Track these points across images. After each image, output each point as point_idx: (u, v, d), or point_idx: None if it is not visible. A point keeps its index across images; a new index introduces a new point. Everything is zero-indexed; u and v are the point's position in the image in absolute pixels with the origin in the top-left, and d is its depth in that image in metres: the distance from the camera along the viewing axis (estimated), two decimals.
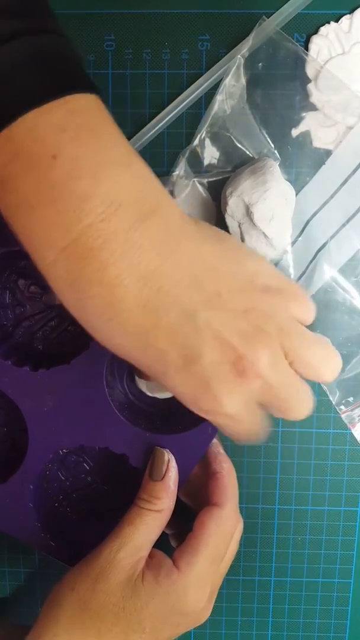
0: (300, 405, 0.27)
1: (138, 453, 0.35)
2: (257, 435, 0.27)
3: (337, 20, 0.37)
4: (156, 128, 0.38)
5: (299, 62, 0.37)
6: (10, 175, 0.22)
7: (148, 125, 0.38)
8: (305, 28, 0.36)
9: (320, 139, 0.38)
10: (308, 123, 0.37)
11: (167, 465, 0.34)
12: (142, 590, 0.31)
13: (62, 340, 0.40)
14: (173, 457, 0.35)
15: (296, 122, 0.37)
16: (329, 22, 0.37)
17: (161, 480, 0.34)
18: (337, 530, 0.43)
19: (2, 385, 0.36)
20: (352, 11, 0.37)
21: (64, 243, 0.23)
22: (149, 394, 0.39)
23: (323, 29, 0.37)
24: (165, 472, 0.34)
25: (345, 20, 0.37)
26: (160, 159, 0.39)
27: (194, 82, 0.37)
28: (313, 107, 0.37)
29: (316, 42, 0.37)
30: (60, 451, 0.40)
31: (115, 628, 0.30)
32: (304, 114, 0.37)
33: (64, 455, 0.39)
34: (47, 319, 0.40)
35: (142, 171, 0.24)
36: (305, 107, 0.37)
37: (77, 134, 0.22)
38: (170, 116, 0.38)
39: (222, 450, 0.37)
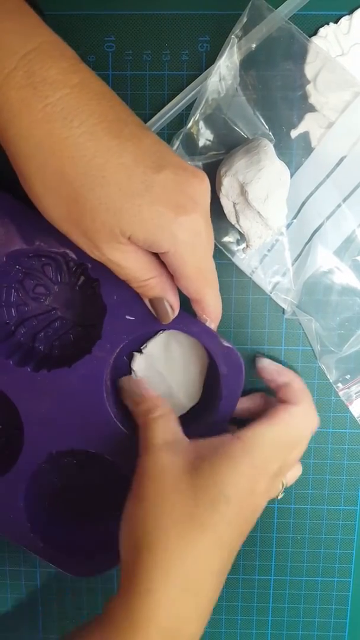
0: None
1: (131, 462, 0.34)
2: None
3: (336, 22, 0.37)
4: (154, 127, 0.38)
5: (294, 42, 0.36)
6: None
7: (146, 125, 0.38)
8: (304, 29, 0.36)
9: (320, 140, 0.38)
10: (307, 124, 0.38)
11: (137, 383, 0.37)
12: (205, 464, 0.31)
13: (64, 342, 0.40)
14: (137, 380, 0.38)
15: (295, 124, 0.38)
16: (328, 24, 0.37)
17: (145, 397, 0.36)
18: (336, 529, 0.43)
19: (1, 384, 0.36)
20: (351, 12, 0.37)
21: (26, 49, 0.26)
22: None
23: (322, 30, 0.37)
24: (141, 390, 0.37)
25: (344, 21, 0.37)
26: None
27: None
28: (312, 109, 0.37)
29: (315, 44, 0.37)
30: (53, 452, 0.41)
31: (192, 487, 0.30)
32: (303, 115, 0.37)
33: (57, 456, 0.39)
34: (50, 320, 0.40)
35: None
36: (304, 108, 0.37)
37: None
38: (168, 115, 0.38)
39: (281, 367, 0.38)
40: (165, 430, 0.33)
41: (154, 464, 0.31)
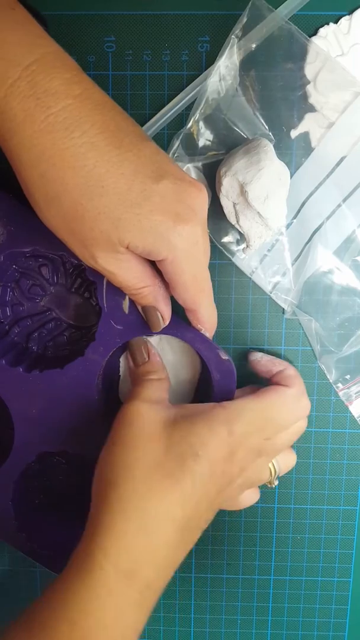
0: None
1: None
2: None
3: (336, 22, 0.37)
4: (154, 127, 0.38)
5: (294, 42, 0.36)
6: None
7: (146, 125, 0.38)
8: (304, 29, 0.36)
9: (320, 140, 0.38)
10: (307, 124, 0.38)
11: (146, 346, 0.37)
12: (183, 421, 0.31)
13: (57, 344, 0.40)
14: (148, 340, 0.37)
15: (295, 124, 0.38)
16: (327, 24, 0.37)
17: (149, 360, 0.37)
18: (336, 529, 0.43)
19: None
20: (351, 12, 0.37)
21: (29, 60, 0.26)
22: None
23: (322, 31, 0.37)
24: (148, 353, 0.37)
25: (344, 21, 0.37)
26: None
27: None
28: (312, 109, 0.37)
29: (315, 44, 0.37)
30: (43, 452, 0.41)
31: (166, 439, 0.31)
32: (303, 116, 0.37)
33: (47, 456, 0.39)
34: (45, 321, 0.40)
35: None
36: (304, 108, 0.37)
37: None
38: (168, 115, 0.38)
39: (275, 358, 0.39)
40: (154, 391, 0.34)
41: (132, 412, 0.32)
